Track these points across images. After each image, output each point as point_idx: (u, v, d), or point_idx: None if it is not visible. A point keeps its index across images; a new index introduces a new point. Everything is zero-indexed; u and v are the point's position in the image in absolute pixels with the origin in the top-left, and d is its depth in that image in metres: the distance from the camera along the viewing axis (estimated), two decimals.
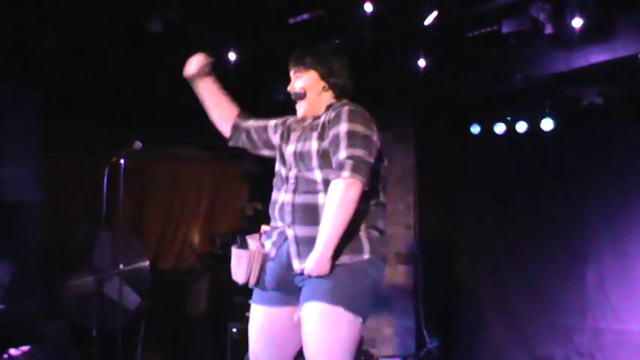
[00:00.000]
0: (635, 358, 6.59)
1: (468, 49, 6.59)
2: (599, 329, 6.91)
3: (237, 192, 8.57)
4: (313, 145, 3.29)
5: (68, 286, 5.90)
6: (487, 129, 7.50)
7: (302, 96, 3.45)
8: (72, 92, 6.33)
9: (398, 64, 6.77)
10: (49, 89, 5.91)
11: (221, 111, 3.74)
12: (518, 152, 7.45)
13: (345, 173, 3.10)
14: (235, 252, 3.43)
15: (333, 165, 3.18)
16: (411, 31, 6.19)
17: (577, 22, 5.55)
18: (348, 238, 3.19)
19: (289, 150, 3.40)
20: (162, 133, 7.27)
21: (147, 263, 6.16)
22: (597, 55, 5.85)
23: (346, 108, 3.28)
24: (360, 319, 3.19)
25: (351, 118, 3.23)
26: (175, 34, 5.75)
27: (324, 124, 3.32)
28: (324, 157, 3.25)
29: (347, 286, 3.17)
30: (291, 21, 5.99)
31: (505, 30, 5.81)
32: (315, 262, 3.14)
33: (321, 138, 3.29)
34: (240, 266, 3.39)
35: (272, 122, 3.67)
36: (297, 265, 3.25)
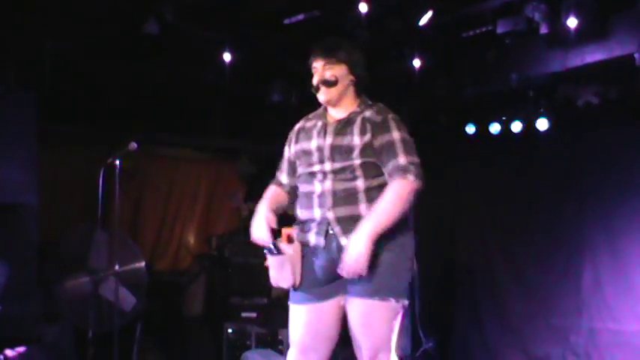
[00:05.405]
0: (631, 357, 6.60)
1: (463, 50, 6.60)
2: (596, 329, 6.93)
3: (234, 193, 8.56)
4: (355, 139, 3.44)
5: (64, 287, 5.89)
6: (482, 129, 7.50)
7: (333, 83, 3.53)
8: (68, 94, 6.33)
9: (393, 65, 6.76)
10: (45, 91, 5.91)
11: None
12: (513, 152, 7.46)
13: (411, 177, 3.39)
14: (275, 259, 3.49)
15: (390, 167, 3.41)
16: (406, 32, 6.19)
17: (572, 22, 5.55)
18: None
19: (326, 143, 3.49)
20: (158, 134, 7.27)
21: (143, 264, 6.15)
22: (593, 55, 5.86)
23: (391, 116, 3.50)
24: (406, 300, 3.44)
25: (399, 127, 3.48)
26: (172, 35, 5.75)
27: (363, 120, 3.49)
28: (365, 149, 3.42)
29: (392, 278, 3.39)
30: (287, 21, 5.99)
31: (500, 30, 5.81)
32: (357, 240, 3.27)
33: (362, 133, 3.44)
34: (284, 271, 3.48)
35: (287, 155, 3.73)
36: (345, 242, 3.36)
